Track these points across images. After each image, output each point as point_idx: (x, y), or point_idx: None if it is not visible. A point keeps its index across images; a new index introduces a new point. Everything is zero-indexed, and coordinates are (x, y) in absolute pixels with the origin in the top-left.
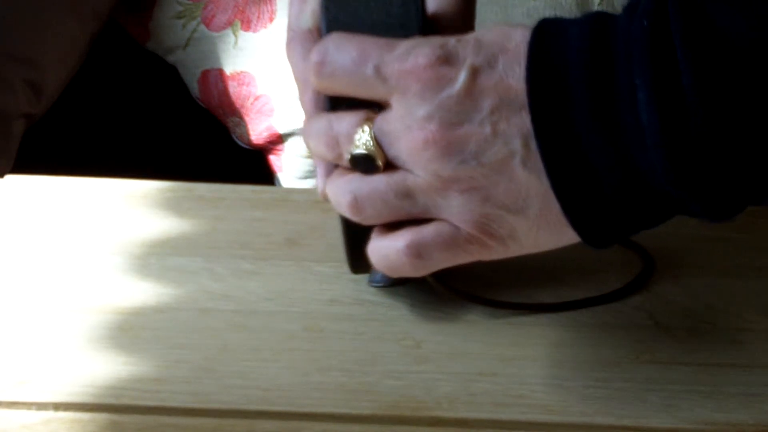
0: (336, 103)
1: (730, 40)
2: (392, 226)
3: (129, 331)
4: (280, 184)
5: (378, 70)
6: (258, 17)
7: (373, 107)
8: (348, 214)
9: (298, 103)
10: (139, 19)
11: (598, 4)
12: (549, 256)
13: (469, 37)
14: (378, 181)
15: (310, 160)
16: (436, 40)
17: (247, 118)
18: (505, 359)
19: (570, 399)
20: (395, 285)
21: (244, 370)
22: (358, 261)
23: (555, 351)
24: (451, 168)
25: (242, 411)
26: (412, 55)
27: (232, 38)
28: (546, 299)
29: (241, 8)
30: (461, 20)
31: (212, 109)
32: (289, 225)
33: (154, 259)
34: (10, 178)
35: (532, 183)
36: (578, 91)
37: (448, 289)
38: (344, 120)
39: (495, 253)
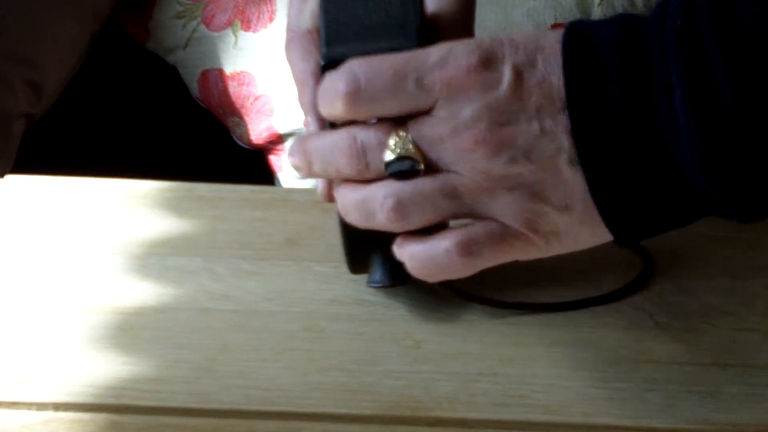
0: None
1: (760, 39)
2: (418, 232)
3: (129, 331)
4: (280, 184)
5: (419, 83)
6: (258, 17)
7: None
8: (385, 220)
9: (298, 103)
10: (139, 19)
11: (598, 5)
12: (549, 255)
13: (501, 37)
14: (422, 184)
15: None
16: (468, 42)
17: (247, 118)
18: (505, 359)
19: (570, 399)
20: (395, 285)
21: (244, 370)
22: (357, 261)
23: (555, 351)
24: (501, 166)
25: (242, 411)
26: (451, 60)
27: (232, 38)
28: (546, 299)
29: (241, 8)
30: (461, 21)
31: (212, 109)
32: (289, 225)
33: (154, 259)
34: (10, 178)
35: (577, 180)
36: (614, 90)
37: (448, 289)
38: (370, 130)
39: (537, 251)
